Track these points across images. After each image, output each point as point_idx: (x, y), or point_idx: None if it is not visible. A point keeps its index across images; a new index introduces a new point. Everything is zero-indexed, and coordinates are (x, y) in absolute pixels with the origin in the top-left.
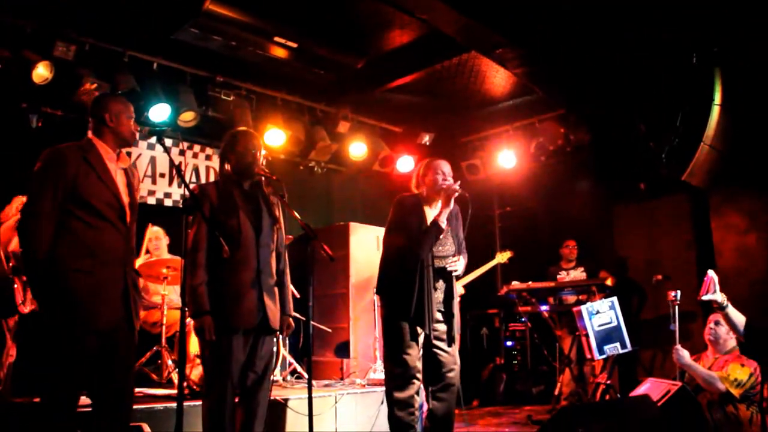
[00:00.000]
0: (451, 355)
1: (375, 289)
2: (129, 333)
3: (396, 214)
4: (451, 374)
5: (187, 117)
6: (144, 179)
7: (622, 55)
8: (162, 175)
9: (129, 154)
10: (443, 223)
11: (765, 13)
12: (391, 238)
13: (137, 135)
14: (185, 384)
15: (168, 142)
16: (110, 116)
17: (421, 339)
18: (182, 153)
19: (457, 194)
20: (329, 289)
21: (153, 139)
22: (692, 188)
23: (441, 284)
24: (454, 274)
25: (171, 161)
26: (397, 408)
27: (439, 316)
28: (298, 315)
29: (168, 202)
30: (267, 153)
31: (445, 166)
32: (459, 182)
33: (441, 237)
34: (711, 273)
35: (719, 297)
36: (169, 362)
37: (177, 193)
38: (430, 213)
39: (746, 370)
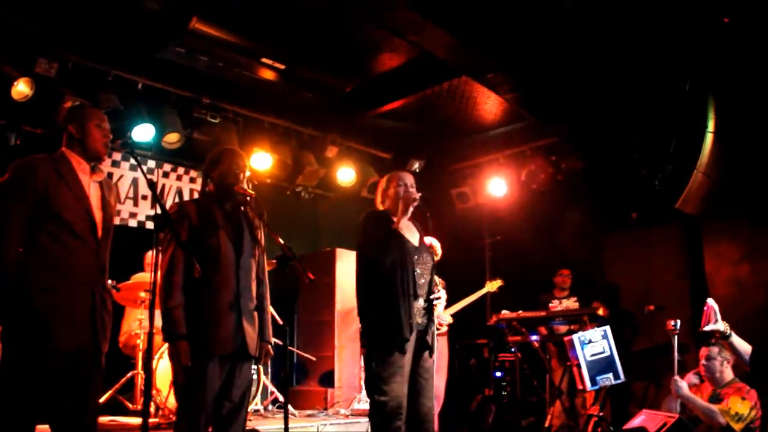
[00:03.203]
0: (429, 383)
1: (357, 311)
2: (95, 356)
3: (362, 227)
4: (430, 403)
5: (172, 138)
6: (125, 201)
7: (615, 81)
8: (144, 197)
9: (110, 175)
10: (401, 230)
11: (758, 40)
12: (360, 253)
13: (109, 147)
14: (161, 413)
15: (151, 163)
16: (76, 128)
17: (407, 365)
18: (165, 175)
19: (415, 203)
20: (314, 317)
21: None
22: (685, 217)
23: (422, 304)
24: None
25: (145, 177)
26: None
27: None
28: (279, 341)
29: (150, 225)
30: (253, 177)
31: (408, 178)
32: (420, 195)
33: (416, 245)
34: (711, 302)
35: (722, 326)
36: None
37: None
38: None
39: (747, 404)
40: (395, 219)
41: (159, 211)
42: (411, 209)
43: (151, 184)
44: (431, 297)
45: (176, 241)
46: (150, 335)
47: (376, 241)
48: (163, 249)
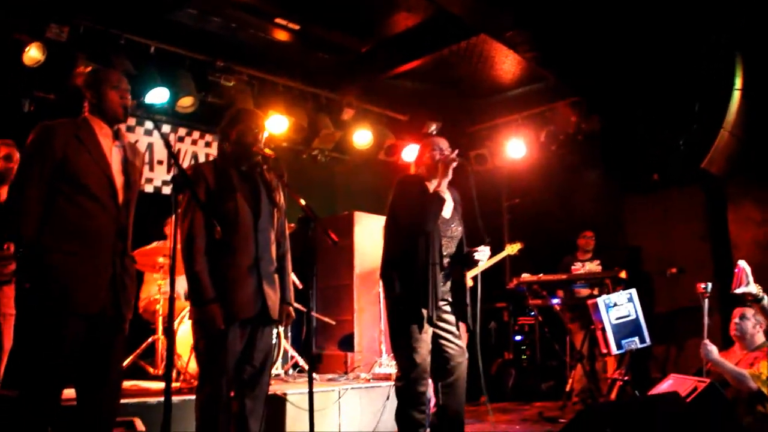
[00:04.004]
0: (459, 348)
1: (379, 274)
2: (117, 322)
3: (397, 193)
4: (460, 368)
5: (186, 102)
6: None
7: (638, 39)
8: (160, 162)
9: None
10: (444, 193)
11: None
12: (393, 218)
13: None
14: (183, 378)
15: (166, 128)
16: (92, 93)
17: (430, 330)
18: (181, 140)
19: (455, 163)
20: (333, 281)
21: (150, 125)
22: (706, 179)
23: (449, 265)
24: (479, 261)
25: (162, 137)
26: (407, 405)
27: (446, 306)
28: (299, 306)
29: (166, 191)
30: (269, 141)
31: (442, 143)
32: (457, 151)
33: (447, 217)
34: (743, 263)
35: (754, 288)
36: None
37: None
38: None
39: None
40: (435, 182)
41: (177, 172)
42: (451, 170)
43: (168, 145)
44: (473, 254)
45: (196, 203)
46: (171, 300)
47: (414, 207)
48: (183, 212)
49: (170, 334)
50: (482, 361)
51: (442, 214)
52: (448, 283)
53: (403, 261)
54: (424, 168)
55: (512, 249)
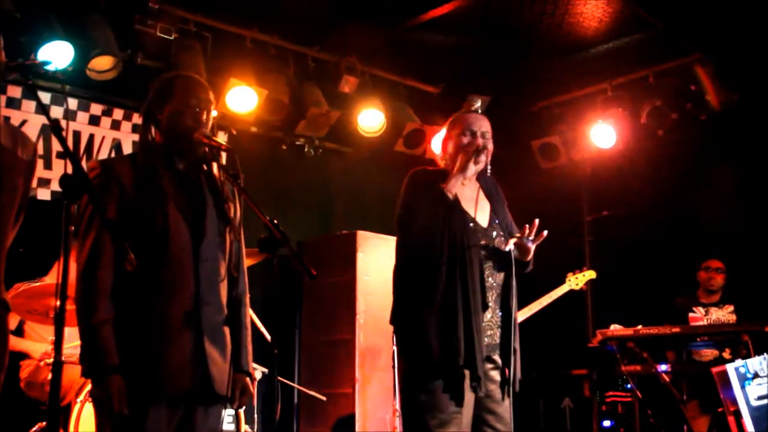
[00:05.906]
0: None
1: (390, 319)
2: None
3: (403, 194)
4: None
5: (102, 64)
6: None
7: None
8: (62, 156)
9: (7, 119)
10: (451, 192)
11: None
12: (401, 231)
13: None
14: None
15: (72, 103)
16: None
17: (468, 408)
18: (95, 121)
19: (479, 158)
20: (325, 334)
21: (48, 98)
22: None
23: (495, 302)
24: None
25: (45, 114)
26: None
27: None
28: (264, 369)
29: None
30: (231, 123)
31: (478, 123)
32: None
33: (485, 225)
34: None
35: None
36: None
37: None
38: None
39: None
40: (447, 182)
41: (71, 170)
42: (474, 168)
43: (55, 127)
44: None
45: (100, 219)
46: (56, 364)
47: (424, 218)
48: (81, 232)
49: (54, 420)
50: None
51: (477, 220)
52: (494, 329)
53: (419, 299)
54: (448, 158)
55: (577, 281)
